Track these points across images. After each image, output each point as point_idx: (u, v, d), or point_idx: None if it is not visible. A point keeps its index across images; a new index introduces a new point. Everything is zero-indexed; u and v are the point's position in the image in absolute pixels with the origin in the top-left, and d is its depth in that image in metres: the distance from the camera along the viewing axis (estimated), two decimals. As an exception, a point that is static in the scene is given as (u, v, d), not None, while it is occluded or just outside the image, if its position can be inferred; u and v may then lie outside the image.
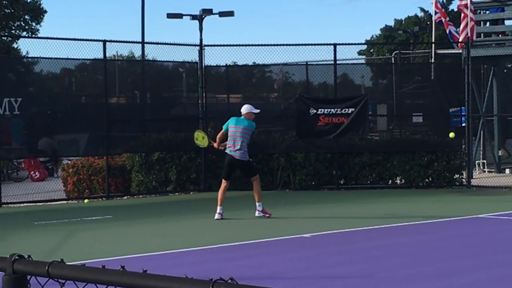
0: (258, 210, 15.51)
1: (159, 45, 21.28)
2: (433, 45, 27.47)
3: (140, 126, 21.18)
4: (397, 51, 33.61)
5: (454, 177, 21.61)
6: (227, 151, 15.43)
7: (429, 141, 21.70)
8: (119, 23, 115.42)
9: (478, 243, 12.64)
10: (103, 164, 20.01)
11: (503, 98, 25.17)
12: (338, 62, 21.71)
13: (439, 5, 27.11)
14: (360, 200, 19.00)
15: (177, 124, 21.81)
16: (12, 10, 44.55)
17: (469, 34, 22.98)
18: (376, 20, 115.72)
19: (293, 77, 25.05)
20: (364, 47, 68.45)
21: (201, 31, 30.58)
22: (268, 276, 9.82)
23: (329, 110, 21.01)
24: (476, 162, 24.80)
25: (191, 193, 20.88)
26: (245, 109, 15.64)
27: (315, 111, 21.05)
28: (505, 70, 26.83)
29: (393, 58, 34.08)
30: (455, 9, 33.50)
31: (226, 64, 22.62)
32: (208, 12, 32.09)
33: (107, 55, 20.28)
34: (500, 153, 25.14)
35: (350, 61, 25.56)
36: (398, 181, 21.68)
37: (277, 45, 21.68)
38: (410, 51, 39.40)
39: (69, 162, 21.26)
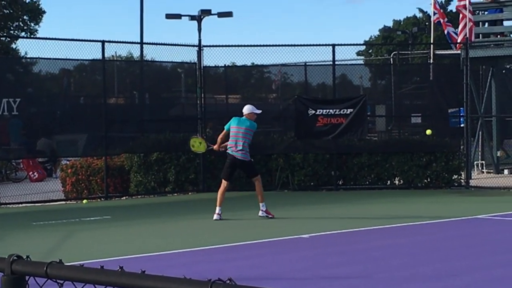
0: (262, 210, 15.49)
1: (157, 46, 21.29)
2: (431, 45, 27.51)
3: (138, 127, 21.18)
4: (396, 52, 33.67)
5: (453, 177, 21.62)
6: (228, 151, 15.41)
7: (427, 142, 21.70)
8: (118, 23, 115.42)
9: (476, 243, 12.65)
10: (102, 164, 20.01)
11: (502, 98, 25.19)
12: (336, 62, 21.71)
13: (437, 6, 27.14)
14: (359, 200, 19.00)
15: (176, 125, 21.81)
16: (11, 11, 44.55)
17: (467, 35, 23.00)
18: (374, 21, 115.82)
19: (291, 78, 25.06)
20: (363, 47, 68.48)
21: (200, 32, 30.57)
22: (267, 277, 9.82)
23: (327, 110, 21.02)
24: (475, 162, 24.81)
25: (189, 193, 20.87)
26: (246, 109, 15.61)
27: (313, 111, 21.05)
28: (503, 71, 26.85)
29: (391, 59, 34.14)
30: (454, 10, 33.53)
31: (225, 65, 22.63)
32: (206, 12, 32.08)
33: (106, 55, 20.29)
34: (498, 154, 25.15)
35: (349, 62, 25.60)
36: (397, 182, 21.68)
37: (275, 45, 21.69)
38: (409, 52, 39.43)
39: (67, 162, 21.26)
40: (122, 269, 2.73)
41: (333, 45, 21.36)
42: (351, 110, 20.97)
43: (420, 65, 32.39)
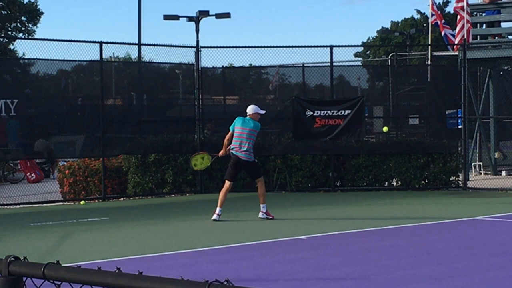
0: (262, 212, 15.47)
1: (155, 47, 21.28)
2: (429, 47, 27.51)
3: (136, 128, 21.17)
4: (394, 53, 33.66)
5: (450, 179, 21.63)
6: (232, 151, 15.39)
7: (425, 143, 21.71)
8: (116, 24, 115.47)
9: (474, 245, 12.65)
10: (100, 165, 20.01)
11: (499, 100, 25.20)
12: (334, 64, 21.73)
13: (435, 8, 27.16)
14: (356, 202, 19.01)
15: (174, 126, 21.80)
16: (9, 12, 44.54)
17: (465, 36, 23.01)
18: (372, 22, 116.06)
19: (289, 79, 25.07)
20: (361, 49, 68.54)
21: (198, 33, 30.57)
22: (264, 278, 9.82)
23: (325, 112, 21.02)
24: (472, 164, 24.82)
25: (187, 195, 20.87)
26: (251, 109, 15.56)
27: (311, 113, 21.06)
28: (501, 72, 26.86)
29: (389, 60, 34.13)
30: (452, 11, 33.56)
31: (223, 66, 22.65)
32: (204, 13, 32.12)
33: (104, 56, 20.28)
34: (496, 155, 25.17)
35: (347, 63, 25.57)
36: (395, 183, 21.68)
37: (273, 47, 21.71)
38: (407, 53, 39.47)
39: (65, 163, 21.25)
40: (120, 270, 2.73)
41: (331, 47, 21.37)
42: (349, 111, 20.98)
43: (417, 66, 32.43)
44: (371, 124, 25.87)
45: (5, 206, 18.75)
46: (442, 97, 22.85)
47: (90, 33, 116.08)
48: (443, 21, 26.72)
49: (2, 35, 44.13)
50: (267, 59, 21.79)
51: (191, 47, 21.47)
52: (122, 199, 20.25)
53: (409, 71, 28.01)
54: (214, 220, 15.21)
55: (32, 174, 24.32)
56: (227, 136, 15.54)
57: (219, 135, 22.31)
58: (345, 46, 22.58)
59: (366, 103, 22.78)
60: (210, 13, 32.34)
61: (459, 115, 22.57)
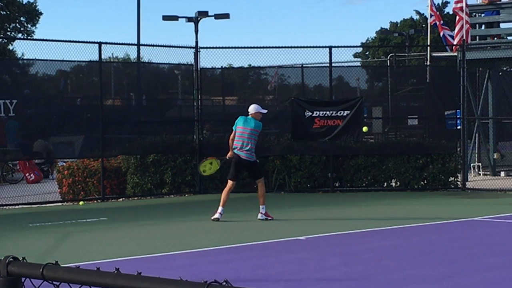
0: (261, 213, 15.45)
1: (154, 47, 21.27)
2: (428, 47, 27.52)
3: (135, 128, 21.17)
4: (393, 54, 33.66)
5: (449, 179, 21.63)
6: (234, 151, 15.38)
7: (424, 144, 21.72)
8: (115, 25, 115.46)
9: (473, 245, 12.65)
10: (98, 166, 20.01)
11: (498, 101, 25.20)
12: (333, 64, 21.73)
13: (434, 8, 27.16)
14: (355, 202, 19.01)
15: (173, 126, 21.80)
16: (8, 12, 44.54)
17: (464, 37, 23.01)
18: (371, 23, 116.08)
19: (288, 80, 25.07)
20: (360, 49, 68.60)
21: (197, 33, 30.64)
22: (263, 279, 9.82)
23: (324, 112, 21.02)
24: (471, 165, 24.82)
25: (186, 195, 20.87)
26: (252, 108, 15.54)
27: (310, 113, 21.06)
28: (500, 73, 26.86)
29: (388, 61, 34.13)
30: (451, 12, 33.55)
31: (222, 66, 22.66)
32: (203, 14, 32.14)
33: (103, 57, 20.27)
34: (495, 156, 25.17)
35: (346, 64, 25.59)
36: (393, 184, 21.69)
37: (272, 47, 21.72)
38: (406, 54, 39.47)
39: (64, 164, 21.24)
40: (118, 271, 2.73)
41: (330, 47, 21.38)
42: (348, 112, 20.98)
43: (417, 67, 32.45)
44: (370, 124, 25.87)
45: (4, 207, 18.74)
46: (441, 97, 22.86)
47: (89, 34, 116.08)
48: (441, 22, 26.73)
49: (1, 35, 44.12)
50: (266, 59, 21.84)
51: (190, 47, 21.48)
52: (121, 199, 20.25)
53: (408, 71, 28.03)
54: (216, 219, 15.16)
55: (31, 175, 24.31)
56: (231, 136, 15.51)
57: (218, 135, 22.33)
58: (344, 46, 22.59)
59: (365, 103, 22.78)
60: (209, 14, 32.37)
61: (458, 116, 22.58)
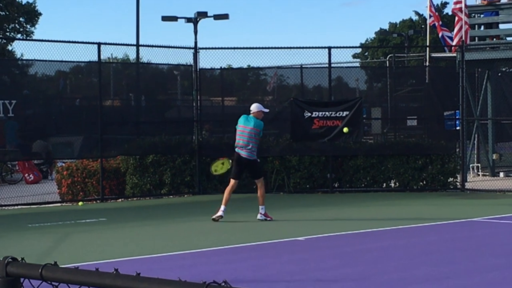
0: (261, 213, 15.42)
1: (153, 48, 21.26)
2: (427, 48, 27.53)
3: (134, 129, 21.17)
4: (392, 55, 33.67)
5: (448, 180, 21.63)
6: (235, 149, 15.40)
7: (423, 145, 21.72)
8: (114, 25, 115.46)
9: (472, 246, 12.65)
10: (98, 166, 20.00)
11: (497, 101, 25.21)
12: (332, 65, 21.73)
13: (433, 9, 27.17)
14: (354, 203, 19.01)
15: (172, 127, 21.80)
16: (7, 12, 44.54)
17: (463, 38, 23.02)
18: (370, 24, 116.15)
19: (287, 80, 25.06)
20: (359, 50, 68.60)
21: (196, 34, 30.64)
22: (262, 279, 9.82)
23: (323, 113, 21.02)
24: (470, 165, 24.82)
25: (185, 196, 20.86)
26: (254, 107, 15.52)
27: (309, 114, 21.06)
28: (499, 74, 26.87)
29: (387, 62, 34.16)
30: (450, 13, 33.57)
31: (221, 67, 22.67)
32: (203, 15, 32.14)
33: (102, 57, 20.26)
34: (494, 157, 25.17)
35: (345, 64, 25.61)
36: (393, 184, 21.68)
37: (271, 48, 21.72)
38: (405, 55, 39.48)
39: (63, 164, 21.23)
40: (117, 272, 2.73)
41: (329, 48, 21.38)
42: (347, 112, 20.97)
43: (416, 67, 32.46)
44: (369, 125, 25.88)
45: (3, 207, 18.74)
46: (440, 98, 22.86)
47: (88, 34, 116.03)
48: (440, 22, 26.75)
49: (0, 36, 44.13)
50: (265, 60, 21.83)
51: (189, 48, 21.48)
52: (120, 200, 20.24)
53: (407, 72, 28.03)
54: (219, 216, 15.10)
55: (30, 175, 24.31)
56: (236, 136, 15.52)
57: (217, 136, 22.35)
58: (343, 47, 22.59)
59: (364, 104, 22.78)
60: (208, 14, 32.37)
61: (457, 117, 22.58)
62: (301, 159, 21.06)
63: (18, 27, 46.42)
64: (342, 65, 24.45)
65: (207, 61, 23.04)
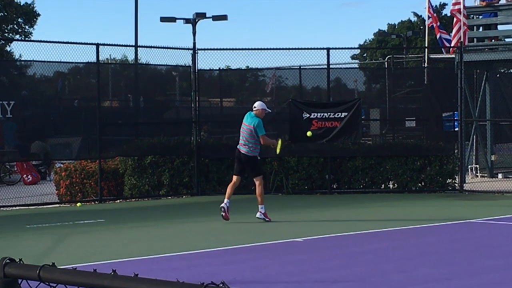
0: (260, 212, 15.39)
1: (152, 49, 21.26)
2: (426, 49, 27.52)
3: (133, 130, 21.17)
4: (390, 56, 33.67)
5: (447, 181, 21.63)
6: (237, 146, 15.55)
7: (422, 146, 21.73)
8: (113, 26, 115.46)
9: (470, 247, 12.65)
10: (96, 167, 19.99)
11: (496, 103, 25.22)
12: (331, 66, 21.73)
13: (431, 10, 27.17)
14: (353, 204, 19.01)
15: (170, 128, 21.79)
16: (5, 13, 44.54)
17: (462, 39, 23.03)
18: (369, 25, 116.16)
19: (286, 81, 25.06)
20: (358, 51, 68.67)
21: (195, 35, 30.65)
22: (261, 280, 9.81)
23: (322, 114, 21.01)
24: (469, 166, 24.83)
25: (184, 197, 20.86)
26: (256, 104, 15.48)
27: (308, 115, 21.05)
28: (497, 75, 26.88)
29: (386, 63, 34.14)
30: (449, 14, 33.59)
31: (219, 68, 22.64)
32: (201, 16, 32.13)
33: (100, 58, 20.26)
34: (492, 158, 25.18)
35: (343, 66, 25.56)
36: (391, 186, 21.69)
37: (270, 49, 21.73)
38: (403, 56, 39.47)
39: (61, 165, 21.22)
40: (115, 273, 2.72)
41: (328, 49, 21.39)
42: (346, 113, 20.97)
43: (414, 69, 32.45)
44: (367, 126, 25.89)
45: (1, 208, 18.73)
46: (439, 99, 22.87)
47: (87, 35, 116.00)
48: (438, 23, 26.75)
49: (-1, 36, 44.09)
50: (264, 61, 21.75)
51: (188, 49, 21.48)
52: (118, 201, 20.24)
53: (406, 73, 28.04)
54: (221, 207, 15.13)
55: (29, 176, 24.30)
56: None
57: (216, 137, 22.35)
58: (342, 48, 22.61)
59: (363, 105, 22.79)
60: (207, 15, 32.36)
61: (455, 118, 22.59)
62: (300, 160, 21.06)
63: (16, 28, 46.42)
64: (340, 66, 24.44)
65: (205, 62, 23.00)
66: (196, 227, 15.08)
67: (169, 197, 20.68)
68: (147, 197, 20.44)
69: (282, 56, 33.80)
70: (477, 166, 25.55)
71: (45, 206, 19.23)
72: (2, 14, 44.73)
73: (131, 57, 42.43)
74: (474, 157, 25.68)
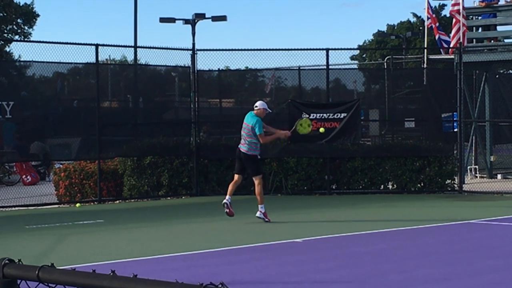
0: (260, 211, 15.40)
1: (151, 49, 21.28)
2: (425, 50, 27.54)
3: (132, 130, 21.17)
4: (390, 56, 33.68)
5: (446, 182, 21.64)
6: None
7: (421, 146, 21.73)
8: (112, 27, 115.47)
9: (469, 248, 12.66)
10: (95, 168, 19.99)
11: (495, 103, 25.23)
12: (330, 67, 21.73)
13: (430, 11, 27.18)
14: (352, 205, 19.01)
15: (170, 129, 21.80)
16: (5, 14, 44.54)
17: (461, 40, 23.04)
18: (368, 25, 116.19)
19: (285, 82, 25.06)
20: (357, 52, 68.65)
21: (194, 36, 30.61)
22: (259, 281, 9.81)
23: (321, 115, 21.01)
24: (468, 167, 24.84)
25: (183, 197, 20.86)
26: (258, 104, 15.54)
27: (307, 115, 21.03)
28: (497, 76, 26.89)
29: (385, 63, 34.16)
30: (448, 15, 33.59)
31: (219, 69, 22.63)
32: (200, 16, 32.10)
33: (100, 59, 20.26)
34: (492, 159, 25.19)
35: (343, 66, 25.57)
36: (390, 186, 21.69)
37: (269, 49, 21.73)
38: (403, 56, 39.48)
39: (61, 166, 21.22)
40: (114, 273, 2.72)
41: (327, 50, 21.40)
42: (345, 114, 20.97)
43: (413, 69, 32.45)
44: (367, 127, 25.89)
45: (1, 209, 18.72)
46: (438, 100, 22.88)
47: (86, 36, 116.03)
48: (437, 24, 26.76)
49: (-2, 37, 44.07)
50: (263, 62, 21.75)
51: (187, 49, 21.48)
52: (117, 201, 20.23)
53: (405, 74, 28.03)
54: (224, 203, 15.17)
55: (28, 177, 24.29)
56: None
57: (215, 137, 22.35)
58: (341, 49, 22.63)
59: (362, 106, 22.79)
60: (206, 16, 32.33)
61: (455, 118, 22.59)
62: (299, 161, 21.06)
63: (16, 28, 46.40)
64: (340, 67, 24.46)
65: (205, 62, 23.00)
66: (196, 228, 15.08)
67: (168, 198, 20.68)
68: (146, 198, 20.44)
69: (281, 56, 33.85)
70: (476, 167, 25.56)
71: (44, 207, 19.22)
72: (2, 14, 44.72)
73: (130, 57, 42.47)
74: (473, 158, 25.69)
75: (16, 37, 45.89)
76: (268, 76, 24.85)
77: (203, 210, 18.01)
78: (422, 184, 21.51)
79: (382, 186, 21.59)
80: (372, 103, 25.22)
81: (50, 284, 2.87)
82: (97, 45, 19.71)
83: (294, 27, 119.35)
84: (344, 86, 24.28)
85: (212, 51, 21.52)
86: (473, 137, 25.11)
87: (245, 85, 26.03)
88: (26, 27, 46.89)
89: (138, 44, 33.12)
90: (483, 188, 21.99)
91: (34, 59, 19.43)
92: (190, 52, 21.34)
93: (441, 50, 25.97)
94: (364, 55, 66.73)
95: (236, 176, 15.53)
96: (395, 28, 66.86)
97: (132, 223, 16.05)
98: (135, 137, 20.91)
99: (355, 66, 62.44)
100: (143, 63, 24.56)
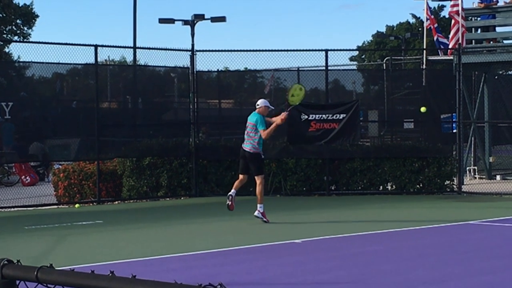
0: (259, 211, 15.41)
1: (150, 50, 21.28)
2: (424, 51, 27.55)
3: (131, 131, 21.17)
4: (389, 57, 33.68)
5: (445, 183, 21.64)
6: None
7: (420, 147, 21.73)
8: (111, 28, 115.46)
9: (468, 249, 12.66)
10: (94, 169, 19.99)
11: (494, 104, 25.24)
12: (329, 68, 21.74)
13: (429, 12, 27.20)
14: (351, 206, 19.01)
15: (169, 129, 21.80)
16: (4, 15, 44.54)
17: (460, 41, 23.05)
18: (367, 26, 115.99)
19: (284, 83, 25.05)
20: (356, 53, 68.66)
21: (193, 37, 30.64)
22: (259, 282, 9.81)
23: (320, 115, 21.01)
24: (467, 168, 24.85)
25: (182, 198, 20.85)
26: (259, 102, 15.65)
27: (306, 116, 21.05)
28: (496, 77, 26.90)
29: (384, 64, 34.16)
30: (447, 16, 33.60)
31: (218, 70, 22.63)
32: (200, 17, 32.11)
33: (99, 59, 20.27)
34: (490, 160, 25.20)
35: (342, 67, 25.57)
36: (389, 187, 21.69)
37: (268, 50, 21.72)
38: (402, 57, 39.48)
39: (60, 166, 21.22)
40: (113, 274, 2.73)
41: (326, 50, 21.40)
42: (344, 115, 20.97)
43: (412, 70, 32.42)
44: (366, 128, 25.89)
45: (0, 209, 18.71)
46: (437, 101, 22.88)
47: (85, 36, 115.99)
48: (436, 25, 26.78)
49: (-3, 38, 44.06)
50: (262, 62, 21.74)
51: (186, 50, 21.48)
52: (116, 202, 20.23)
53: (404, 75, 28.04)
54: (229, 196, 15.27)
55: (27, 177, 24.29)
56: None
57: (214, 138, 22.35)
58: (340, 50, 22.68)
59: (361, 107, 22.79)
60: (206, 17, 32.34)
61: (454, 119, 22.60)
62: (298, 162, 21.06)
63: (15, 29, 46.41)
64: (339, 67, 24.46)
65: (204, 63, 23.02)
66: (194, 229, 15.08)
67: (167, 199, 20.68)
68: (145, 199, 20.44)
69: (281, 57, 33.80)
70: (475, 168, 25.57)
71: (43, 207, 19.22)
72: (1, 15, 44.72)
73: (129, 58, 42.45)
74: (472, 159, 25.70)
75: (16, 37, 45.90)
76: (267, 77, 24.86)
77: (202, 211, 18.01)
78: (421, 185, 21.52)
79: (381, 187, 21.59)
80: (371, 104, 25.22)
81: (49, 285, 2.88)
82: (96, 46, 19.72)
83: (293, 28, 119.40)
84: (343, 87, 24.29)
85: (211, 52, 21.53)
86: (472, 138, 25.12)
87: (244, 86, 26.04)
88: (25, 28, 46.91)
89: (137, 45, 33.12)
90: (482, 189, 22.00)
91: (33, 60, 19.44)
92: (189, 53, 21.35)
93: (439, 51, 25.98)
94: (363, 56, 66.75)
95: (241, 176, 15.58)
96: (394, 29, 66.88)
97: (131, 224, 16.05)
98: (134, 138, 20.91)
99: (354, 67, 62.46)
100: (142, 64, 24.56)
